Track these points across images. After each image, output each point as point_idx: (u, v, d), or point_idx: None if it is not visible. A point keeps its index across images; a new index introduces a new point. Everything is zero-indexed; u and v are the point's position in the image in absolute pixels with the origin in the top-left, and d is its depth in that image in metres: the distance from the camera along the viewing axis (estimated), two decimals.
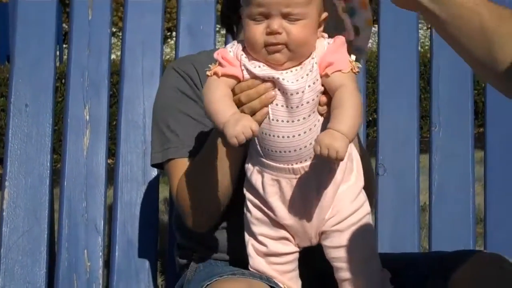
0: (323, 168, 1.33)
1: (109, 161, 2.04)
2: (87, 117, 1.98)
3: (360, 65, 1.32)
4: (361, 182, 1.38)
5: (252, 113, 1.30)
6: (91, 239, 1.91)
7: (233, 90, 1.31)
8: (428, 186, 2.05)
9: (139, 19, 2.06)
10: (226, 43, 2.06)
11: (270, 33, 1.27)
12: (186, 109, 1.51)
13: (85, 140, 1.96)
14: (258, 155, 1.35)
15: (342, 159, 1.24)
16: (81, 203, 1.93)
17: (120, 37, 2.11)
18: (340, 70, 1.29)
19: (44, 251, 1.90)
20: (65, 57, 7.83)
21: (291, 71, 1.30)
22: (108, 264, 1.93)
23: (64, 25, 8.52)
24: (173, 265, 1.86)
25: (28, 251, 1.89)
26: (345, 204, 1.35)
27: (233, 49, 1.33)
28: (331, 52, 1.30)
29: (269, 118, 1.31)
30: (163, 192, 2.05)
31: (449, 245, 2.01)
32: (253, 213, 1.38)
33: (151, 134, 1.58)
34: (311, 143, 1.30)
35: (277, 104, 1.30)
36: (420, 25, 2.16)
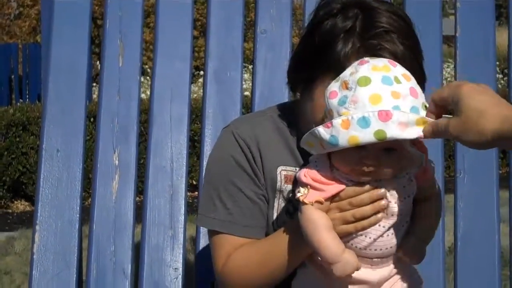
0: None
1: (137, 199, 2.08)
2: (116, 162, 2.02)
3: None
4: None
5: (363, 219, 1.30)
6: (118, 283, 1.94)
7: (339, 197, 1.30)
8: (454, 232, 2.06)
9: (168, 65, 2.11)
10: (253, 90, 2.10)
11: (365, 164, 1.26)
12: (240, 183, 1.46)
13: (114, 185, 2.00)
14: None
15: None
16: (109, 247, 1.96)
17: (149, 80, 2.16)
18: (432, 176, 1.36)
19: None
20: (94, 95, 7.96)
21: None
22: None
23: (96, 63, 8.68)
24: None
25: None
26: None
27: (319, 167, 1.31)
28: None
29: None
30: (189, 230, 2.07)
31: None
32: None
33: (202, 188, 1.55)
34: (391, 247, 1.33)
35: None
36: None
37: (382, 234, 1.31)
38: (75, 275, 1.94)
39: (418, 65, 1.38)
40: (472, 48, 2.16)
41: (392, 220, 1.31)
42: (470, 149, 2.09)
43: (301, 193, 1.30)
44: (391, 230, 1.32)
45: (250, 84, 2.17)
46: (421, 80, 1.40)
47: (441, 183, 2.02)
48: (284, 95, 2.07)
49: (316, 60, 1.38)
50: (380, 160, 1.26)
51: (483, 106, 1.14)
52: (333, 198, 1.31)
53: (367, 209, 1.29)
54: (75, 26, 2.10)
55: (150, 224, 1.98)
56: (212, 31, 2.14)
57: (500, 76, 9.29)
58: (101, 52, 2.13)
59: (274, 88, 2.10)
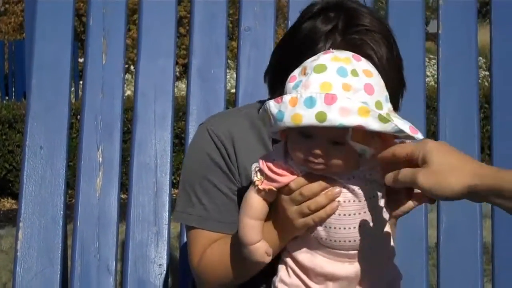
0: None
1: (122, 196, 2.08)
2: (100, 159, 2.02)
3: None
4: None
5: (319, 209, 1.28)
6: (103, 280, 1.95)
7: (288, 187, 1.30)
8: (436, 226, 2.07)
9: (151, 62, 2.12)
10: (236, 87, 2.11)
11: (311, 154, 1.25)
12: (215, 179, 1.48)
13: (98, 182, 2.01)
14: (314, 241, 1.34)
15: None
16: (93, 244, 1.96)
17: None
18: None
19: None
20: (80, 93, 7.95)
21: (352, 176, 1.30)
22: None
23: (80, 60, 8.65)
24: None
25: None
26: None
27: (276, 155, 1.31)
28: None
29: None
30: (176, 228, 2.08)
31: (457, 285, 2.03)
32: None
33: (179, 185, 1.56)
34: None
35: (345, 201, 1.30)
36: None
37: (345, 226, 1.30)
38: (59, 272, 1.94)
39: (397, 68, 1.38)
40: (454, 46, 2.18)
41: (352, 207, 1.29)
42: (451, 143, 2.13)
43: (258, 178, 1.31)
44: (360, 218, 1.30)
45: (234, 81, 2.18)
46: (399, 85, 1.40)
47: None
48: (267, 92, 2.08)
49: (297, 60, 1.35)
50: (328, 153, 1.25)
51: (454, 161, 1.15)
52: (284, 188, 1.31)
53: (321, 198, 1.28)
54: (58, 23, 2.11)
55: (135, 221, 1.98)
56: (196, 28, 2.15)
57: (487, 73, 9.32)
58: (84, 49, 2.13)
59: (258, 85, 2.11)
